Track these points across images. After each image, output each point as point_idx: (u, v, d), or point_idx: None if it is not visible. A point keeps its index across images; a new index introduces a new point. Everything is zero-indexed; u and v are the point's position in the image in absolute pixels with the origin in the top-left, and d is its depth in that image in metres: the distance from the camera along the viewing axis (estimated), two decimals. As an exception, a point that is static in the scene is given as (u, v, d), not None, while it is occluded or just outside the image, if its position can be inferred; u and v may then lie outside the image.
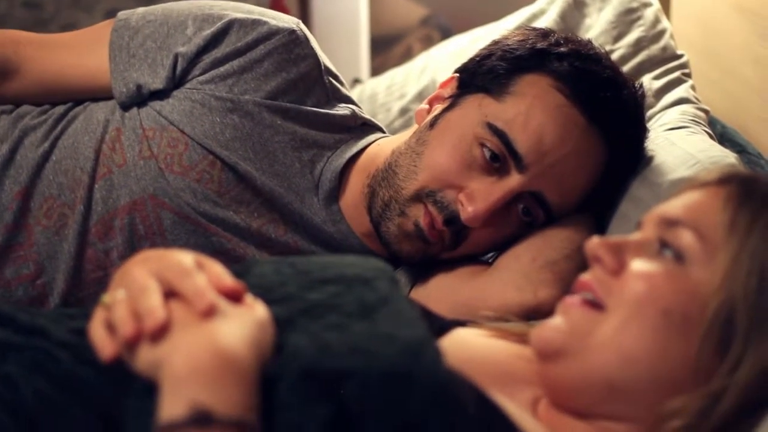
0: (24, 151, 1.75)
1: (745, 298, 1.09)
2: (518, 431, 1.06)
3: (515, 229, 1.70)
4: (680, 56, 2.12)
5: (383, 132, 1.91)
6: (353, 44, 3.13)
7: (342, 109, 1.83)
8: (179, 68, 1.75)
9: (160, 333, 1.00)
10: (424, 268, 1.79)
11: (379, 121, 1.96)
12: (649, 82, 2.05)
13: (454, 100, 1.74)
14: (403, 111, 2.37)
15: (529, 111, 1.64)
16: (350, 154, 1.80)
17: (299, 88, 1.78)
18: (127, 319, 1.03)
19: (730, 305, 1.09)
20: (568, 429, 1.16)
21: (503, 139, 1.63)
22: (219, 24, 1.74)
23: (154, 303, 1.03)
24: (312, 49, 1.79)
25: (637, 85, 1.75)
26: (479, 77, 1.73)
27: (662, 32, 2.17)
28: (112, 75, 1.77)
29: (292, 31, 1.76)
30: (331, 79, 1.83)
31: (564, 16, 2.21)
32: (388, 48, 3.23)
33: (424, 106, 1.80)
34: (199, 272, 1.07)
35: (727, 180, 1.20)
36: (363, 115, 1.88)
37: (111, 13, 1.92)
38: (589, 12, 2.22)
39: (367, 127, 1.88)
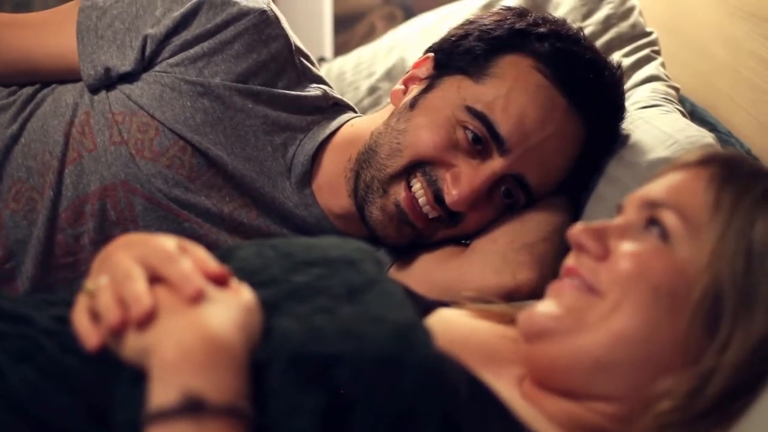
0: None
1: (733, 278, 1.10)
2: (508, 412, 1.06)
3: (499, 212, 1.70)
4: (650, 33, 2.13)
5: (354, 111, 1.90)
6: (317, 22, 3.11)
7: (313, 90, 1.82)
8: (148, 50, 1.72)
9: (147, 320, 0.99)
10: (402, 249, 1.78)
11: (348, 99, 1.94)
12: (619, 59, 2.05)
13: (432, 81, 1.73)
14: (372, 89, 2.36)
15: (510, 93, 1.64)
16: (323, 137, 1.79)
17: (270, 69, 1.76)
18: (112, 306, 1.01)
19: (717, 285, 1.10)
20: (552, 407, 1.16)
21: (484, 122, 1.62)
22: (188, 5, 1.71)
23: (139, 289, 1.01)
24: (282, 29, 1.77)
25: (615, 65, 1.75)
26: (456, 58, 1.72)
27: (631, 9, 2.17)
28: (80, 57, 1.74)
29: (263, 12, 1.74)
30: (302, 59, 1.81)
31: (532, -7, 2.21)
32: (350, 26, 3.22)
33: (400, 86, 1.79)
34: (184, 257, 1.06)
35: (708, 161, 1.20)
36: (334, 95, 1.86)
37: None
38: (558, -11, 2.22)
39: (338, 107, 1.87)
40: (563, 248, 1.57)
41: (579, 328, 1.14)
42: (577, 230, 1.20)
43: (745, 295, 1.09)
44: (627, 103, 1.85)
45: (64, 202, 1.69)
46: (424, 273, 1.72)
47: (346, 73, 2.46)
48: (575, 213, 1.73)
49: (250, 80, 1.74)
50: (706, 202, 1.15)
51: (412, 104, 1.71)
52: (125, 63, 1.72)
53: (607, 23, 2.14)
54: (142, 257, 1.06)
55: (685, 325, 1.10)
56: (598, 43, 2.09)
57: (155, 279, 1.04)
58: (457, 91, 1.67)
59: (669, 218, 1.15)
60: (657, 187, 1.20)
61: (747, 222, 1.12)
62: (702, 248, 1.12)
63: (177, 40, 1.72)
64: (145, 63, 1.73)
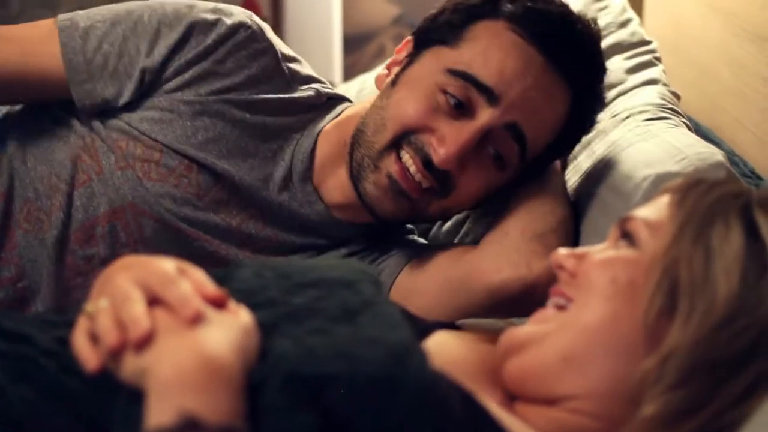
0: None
1: (689, 260, 1.12)
2: (503, 431, 1.07)
3: (491, 175, 1.70)
4: (649, 42, 2.14)
5: (350, 101, 1.92)
6: (326, 43, 3.12)
7: (305, 91, 1.84)
8: (147, 81, 1.74)
9: (145, 342, 1.00)
10: (416, 249, 1.81)
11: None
12: (620, 62, 2.07)
13: (411, 59, 1.75)
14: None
15: (486, 51, 1.66)
16: (318, 130, 1.82)
17: (261, 80, 1.78)
18: (110, 328, 1.02)
19: (673, 268, 1.12)
20: (538, 417, 1.17)
21: (467, 78, 1.64)
22: (179, 30, 1.73)
23: (137, 311, 1.03)
24: (268, 40, 1.79)
25: (590, 22, 1.76)
26: (433, 32, 1.75)
27: (629, 20, 2.20)
28: (70, 83, 1.73)
29: (247, 27, 1.76)
30: (288, 64, 1.83)
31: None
32: (360, 47, 3.23)
33: (383, 71, 1.82)
34: (182, 279, 1.07)
35: (681, 187, 1.24)
36: (327, 90, 1.89)
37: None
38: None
39: (332, 101, 1.89)
40: (568, 242, 1.64)
41: (549, 336, 1.18)
42: (558, 254, 1.25)
43: (702, 277, 1.11)
44: (630, 104, 1.87)
45: (74, 224, 1.71)
46: (438, 270, 1.75)
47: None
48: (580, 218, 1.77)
49: (244, 93, 1.76)
50: (669, 204, 1.20)
51: (393, 82, 1.74)
52: (124, 95, 1.74)
53: (607, 30, 2.16)
54: (141, 280, 1.07)
55: (644, 310, 1.12)
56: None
57: (154, 301, 1.06)
58: (435, 59, 1.70)
59: (635, 226, 1.20)
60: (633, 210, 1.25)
61: (706, 215, 1.16)
62: (662, 237, 1.16)
63: (171, 67, 1.74)
64: (143, 92, 1.75)
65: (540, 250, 1.66)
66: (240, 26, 1.75)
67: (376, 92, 2.38)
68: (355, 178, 1.72)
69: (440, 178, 1.67)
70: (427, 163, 1.65)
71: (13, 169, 1.72)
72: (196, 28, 1.74)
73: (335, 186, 1.79)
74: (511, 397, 1.22)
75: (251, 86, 1.77)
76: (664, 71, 2.06)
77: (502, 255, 1.68)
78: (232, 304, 1.07)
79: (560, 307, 1.21)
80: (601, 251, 1.22)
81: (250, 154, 1.78)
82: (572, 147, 1.83)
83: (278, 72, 1.80)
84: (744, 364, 1.08)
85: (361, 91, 2.48)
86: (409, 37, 1.81)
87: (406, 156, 1.66)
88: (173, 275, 1.07)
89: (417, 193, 1.68)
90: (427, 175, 1.66)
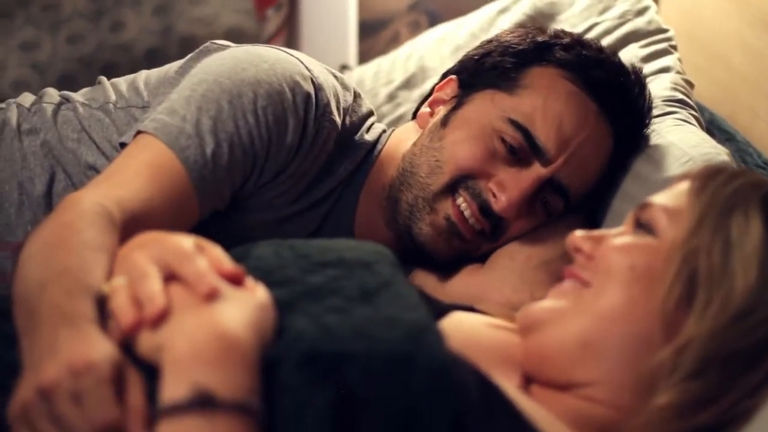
0: None
1: (708, 251, 1.12)
2: (518, 413, 1.07)
3: (540, 220, 1.71)
4: (666, 30, 2.13)
5: (372, 114, 1.86)
6: (341, 29, 3.11)
7: (366, 135, 1.79)
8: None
9: (161, 319, 1.01)
10: (418, 264, 1.78)
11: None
12: (635, 50, 2.07)
13: (461, 99, 1.74)
14: (390, 96, 2.36)
15: (546, 103, 1.65)
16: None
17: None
18: (127, 307, 1.03)
19: (692, 258, 1.12)
20: (558, 405, 1.17)
21: (525, 135, 1.64)
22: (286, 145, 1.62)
23: (154, 289, 1.03)
24: (331, 112, 1.68)
25: (638, 70, 1.77)
26: (483, 75, 1.74)
27: (647, 8, 2.18)
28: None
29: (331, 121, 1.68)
30: (345, 117, 1.74)
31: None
32: (375, 33, 3.22)
33: (426, 109, 1.80)
34: (200, 256, 1.08)
35: (699, 173, 1.24)
36: (369, 116, 1.83)
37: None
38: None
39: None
40: None
41: (567, 316, 1.18)
42: (574, 236, 1.25)
43: (720, 268, 1.11)
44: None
45: None
46: (441, 287, 1.72)
47: (365, 80, 2.47)
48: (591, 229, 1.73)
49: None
50: (689, 191, 1.20)
51: (444, 122, 1.72)
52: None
53: (623, 18, 2.15)
54: (158, 256, 1.08)
55: (662, 299, 1.12)
56: (615, 36, 2.13)
57: (171, 277, 1.06)
58: (491, 103, 1.69)
59: (654, 213, 1.20)
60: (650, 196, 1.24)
61: (726, 206, 1.16)
62: (681, 226, 1.16)
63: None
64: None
65: (545, 279, 1.64)
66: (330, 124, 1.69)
67: (390, 77, 2.38)
68: (406, 218, 1.70)
69: (494, 223, 1.67)
70: (483, 209, 1.65)
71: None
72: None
73: (375, 236, 1.72)
74: (528, 381, 1.23)
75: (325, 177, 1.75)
76: (679, 59, 2.06)
77: (506, 280, 1.67)
78: (250, 282, 1.08)
79: (574, 285, 1.22)
80: (619, 236, 1.21)
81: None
82: (605, 191, 1.79)
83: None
84: (760, 356, 1.08)
85: (377, 73, 2.47)
86: (453, 77, 1.79)
87: (461, 200, 1.66)
88: (190, 252, 1.07)
89: (472, 235, 1.68)
90: (482, 220, 1.66)
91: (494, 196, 1.64)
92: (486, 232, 1.68)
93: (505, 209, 1.64)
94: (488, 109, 1.68)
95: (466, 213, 1.66)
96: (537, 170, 1.64)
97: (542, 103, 1.66)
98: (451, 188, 1.66)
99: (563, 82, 1.68)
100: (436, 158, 1.68)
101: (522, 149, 1.64)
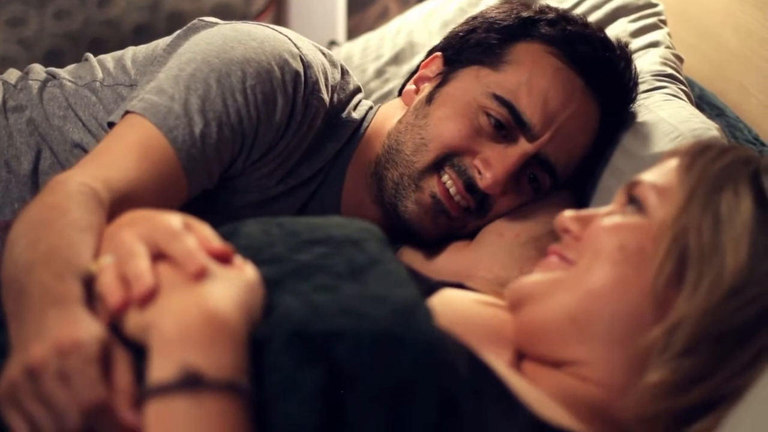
0: None
1: (698, 230, 1.12)
2: (508, 391, 1.07)
3: (527, 196, 1.71)
4: (655, 5, 2.12)
5: (359, 91, 1.86)
6: (330, 4, 3.10)
7: (354, 113, 1.79)
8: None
9: (149, 298, 1.00)
10: (406, 241, 1.78)
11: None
12: (624, 24, 2.06)
13: (446, 76, 1.73)
14: (379, 72, 2.36)
15: (531, 79, 1.65)
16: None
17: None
18: (114, 286, 1.03)
19: (682, 237, 1.12)
20: (548, 382, 1.17)
21: (511, 110, 1.64)
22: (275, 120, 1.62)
23: (141, 267, 1.03)
24: (319, 90, 1.68)
25: (624, 44, 1.77)
26: (467, 51, 1.73)
27: None
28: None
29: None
30: (333, 95, 1.74)
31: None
32: (364, 8, 3.21)
33: (411, 86, 1.80)
34: (188, 234, 1.07)
35: (688, 149, 1.23)
36: (357, 93, 1.83)
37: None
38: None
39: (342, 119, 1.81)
40: None
41: (556, 290, 1.18)
42: (563, 216, 1.24)
43: (711, 246, 1.11)
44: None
45: None
46: (429, 264, 1.73)
47: (354, 56, 2.45)
48: (579, 206, 1.73)
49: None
50: (678, 168, 1.19)
51: (429, 99, 1.72)
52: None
53: None
54: (146, 235, 1.07)
55: (652, 277, 1.11)
56: (603, 11, 2.12)
57: (160, 256, 1.05)
58: (476, 80, 1.68)
59: (643, 191, 1.19)
60: (639, 173, 1.24)
61: (716, 182, 1.15)
62: (671, 205, 1.15)
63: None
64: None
65: (533, 255, 1.64)
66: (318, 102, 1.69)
67: (378, 52, 2.37)
68: (392, 197, 1.70)
69: (480, 199, 1.67)
70: (469, 186, 1.65)
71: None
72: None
73: (363, 214, 1.73)
74: (519, 358, 1.22)
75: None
76: (668, 34, 2.05)
77: (495, 256, 1.67)
78: (238, 260, 1.07)
79: (560, 261, 1.22)
80: (608, 215, 1.21)
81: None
82: (594, 167, 1.79)
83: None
84: (751, 334, 1.08)
85: (365, 49, 2.46)
86: (438, 54, 1.79)
87: (446, 178, 1.66)
88: (178, 230, 1.07)
89: (457, 212, 1.68)
90: (467, 197, 1.66)
91: (479, 173, 1.64)
92: (472, 209, 1.68)
93: (490, 186, 1.63)
94: (473, 85, 1.68)
95: (452, 190, 1.66)
96: (522, 146, 1.64)
97: (527, 79, 1.66)
98: (436, 166, 1.66)
99: (548, 58, 1.68)
100: (421, 136, 1.68)
101: (507, 124, 1.64)
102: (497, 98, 1.65)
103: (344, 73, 1.78)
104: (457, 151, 1.65)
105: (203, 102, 1.53)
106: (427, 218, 1.68)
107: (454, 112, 1.67)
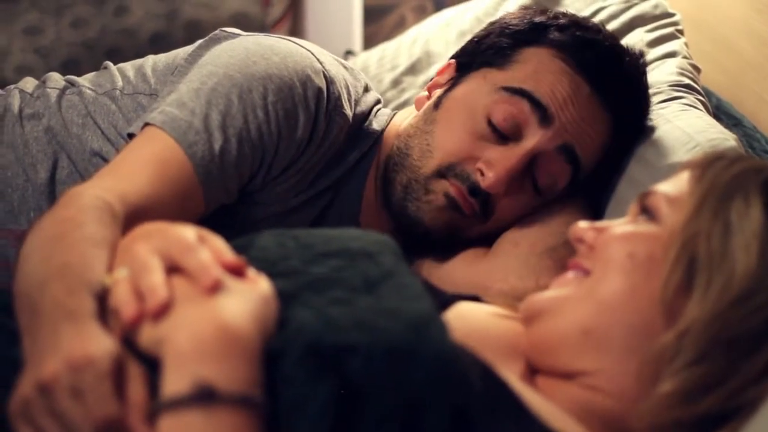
0: None
1: (708, 237, 1.11)
2: (522, 405, 1.06)
3: (529, 200, 1.69)
4: (672, 15, 2.11)
5: (378, 102, 1.86)
6: (346, 14, 3.10)
7: (374, 123, 1.79)
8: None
9: (163, 311, 1.00)
10: (420, 252, 1.77)
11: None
12: (641, 34, 2.05)
13: (456, 81, 1.73)
14: (395, 82, 2.36)
15: (537, 74, 1.65)
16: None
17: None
18: (128, 300, 1.03)
19: (692, 244, 1.12)
20: (562, 396, 1.17)
21: (523, 94, 1.63)
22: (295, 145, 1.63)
23: (156, 281, 1.03)
24: (342, 106, 1.68)
25: (637, 53, 1.75)
26: (479, 55, 1.73)
27: None
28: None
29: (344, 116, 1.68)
30: (356, 107, 1.74)
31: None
32: (380, 18, 3.22)
33: (424, 93, 1.79)
34: (202, 247, 1.07)
35: (702, 160, 1.23)
36: (376, 104, 1.83)
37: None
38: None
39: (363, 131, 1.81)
40: None
41: (569, 304, 1.18)
42: (577, 226, 1.24)
43: (720, 252, 1.10)
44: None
45: None
46: (445, 275, 1.71)
47: (370, 66, 2.46)
48: (595, 216, 1.72)
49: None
50: (690, 178, 1.19)
51: (437, 104, 1.71)
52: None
53: (629, 2, 2.14)
54: (160, 248, 1.07)
55: (662, 285, 1.11)
56: (621, 20, 2.11)
57: (174, 269, 1.06)
58: (483, 80, 1.68)
59: (655, 200, 1.19)
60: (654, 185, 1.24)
61: (726, 190, 1.15)
62: (681, 212, 1.15)
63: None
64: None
65: (549, 265, 1.63)
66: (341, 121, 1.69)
67: (394, 62, 2.37)
68: (401, 200, 1.69)
69: (483, 201, 1.65)
70: (472, 190, 1.64)
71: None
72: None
73: (379, 223, 1.75)
74: (532, 371, 1.22)
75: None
76: (686, 44, 2.05)
77: (511, 267, 1.66)
78: (252, 273, 1.07)
79: (577, 275, 1.22)
80: (621, 225, 1.21)
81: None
82: (610, 176, 1.77)
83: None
84: (763, 340, 1.07)
85: (382, 59, 2.46)
86: (451, 61, 1.79)
87: (455, 182, 1.65)
88: (192, 243, 1.07)
89: (470, 211, 1.66)
90: (471, 201, 1.65)
91: (482, 174, 1.63)
92: (476, 212, 1.67)
93: (492, 185, 1.62)
94: (480, 86, 1.68)
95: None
96: (533, 140, 1.62)
97: (533, 73, 1.65)
98: (441, 174, 1.66)
99: (555, 62, 1.66)
100: (428, 142, 1.68)
101: (515, 125, 1.62)
102: (507, 90, 1.64)
103: (366, 87, 1.78)
104: (459, 160, 1.65)
105: (224, 118, 1.53)
106: (439, 215, 1.67)
107: (457, 118, 1.67)
